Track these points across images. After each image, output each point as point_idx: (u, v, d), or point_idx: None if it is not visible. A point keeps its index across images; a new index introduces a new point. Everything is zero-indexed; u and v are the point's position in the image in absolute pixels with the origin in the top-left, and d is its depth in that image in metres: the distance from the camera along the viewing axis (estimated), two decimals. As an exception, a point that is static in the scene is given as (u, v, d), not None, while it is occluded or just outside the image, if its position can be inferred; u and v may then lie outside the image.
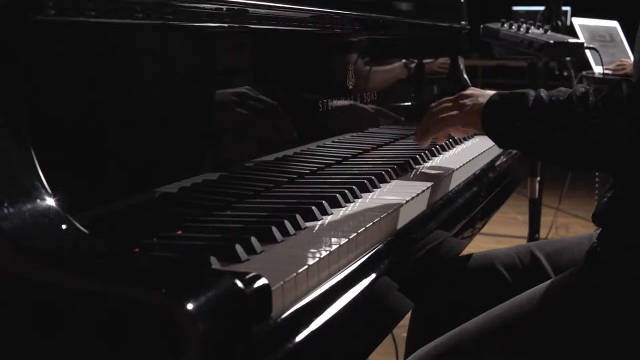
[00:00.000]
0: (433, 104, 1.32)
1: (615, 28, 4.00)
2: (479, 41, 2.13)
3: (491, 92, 1.21)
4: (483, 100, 1.19)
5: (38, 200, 0.67)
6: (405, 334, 1.44)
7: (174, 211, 0.92)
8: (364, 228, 0.90)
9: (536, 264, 1.31)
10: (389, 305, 0.93)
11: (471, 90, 1.26)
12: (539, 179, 2.45)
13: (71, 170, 0.77)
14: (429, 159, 1.44)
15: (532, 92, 1.13)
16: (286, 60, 1.24)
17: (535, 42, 1.92)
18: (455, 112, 1.25)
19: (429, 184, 1.18)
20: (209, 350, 0.55)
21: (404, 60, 1.77)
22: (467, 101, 1.23)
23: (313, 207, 0.96)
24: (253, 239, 0.80)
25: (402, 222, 1.04)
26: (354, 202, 1.06)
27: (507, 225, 3.77)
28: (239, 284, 0.60)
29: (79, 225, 0.68)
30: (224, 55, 1.09)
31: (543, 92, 1.12)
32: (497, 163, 1.58)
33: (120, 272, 0.63)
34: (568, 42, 2.01)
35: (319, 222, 0.95)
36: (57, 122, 0.77)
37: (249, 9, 1.08)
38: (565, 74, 2.91)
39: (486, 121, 1.18)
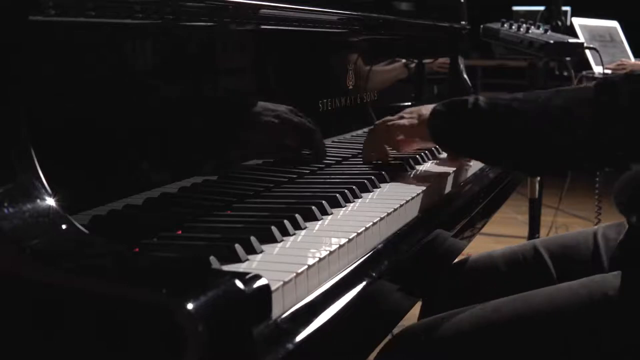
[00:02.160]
0: (377, 122, 1.33)
1: (615, 28, 3.99)
2: (479, 41, 2.13)
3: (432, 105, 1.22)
4: (426, 111, 1.21)
5: (38, 200, 0.67)
6: (405, 334, 1.44)
7: (174, 211, 0.92)
8: (364, 228, 0.90)
9: (539, 260, 1.31)
10: (389, 305, 0.93)
11: (412, 108, 1.28)
12: (539, 179, 2.45)
13: (71, 170, 0.77)
14: (429, 159, 1.44)
15: (470, 99, 1.14)
16: (286, 60, 1.24)
17: (535, 42, 1.92)
18: (401, 122, 1.26)
19: (429, 183, 1.18)
20: (208, 351, 0.55)
21: (404, 60, 1.77)
22: (412, 115, 1.25)
23: (313, 207, 0.96)
24: (253, 239, 0.80)
25: (402, 222, 1.04)
26: (354, 202, 1.06)
27: (507, 225, 3.76)
28: (239, 284, 0.60)
29: (79, 225, 0.68)
30: (224, 55, 1.09)
31: (481, 99, 1.13)
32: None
33: (121, 272, 0.63)
34: (568, 42, 2.01)
35: (319, 222, 0.95)
36: (57, 122, 0.77)
37: (248, 9, 1.08)
38: (565, 74, 2.91)
39: (431, 130, 1.19)
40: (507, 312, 1.06)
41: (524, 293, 1.09)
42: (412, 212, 1.08)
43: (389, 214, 0.98)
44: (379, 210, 0.99)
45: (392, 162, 1.34)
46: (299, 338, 0.67)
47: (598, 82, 1.06)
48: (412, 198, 1.09)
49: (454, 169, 1.33)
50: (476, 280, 1.36)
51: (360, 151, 1.45)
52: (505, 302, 1.08)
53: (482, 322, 1.06)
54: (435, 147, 1.49)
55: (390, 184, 1.20)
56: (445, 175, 1.28)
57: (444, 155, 1.49)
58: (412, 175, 1.28)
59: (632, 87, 1.01)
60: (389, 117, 1.30)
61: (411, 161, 1.35)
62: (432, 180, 1.21)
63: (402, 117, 1.27)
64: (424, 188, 1.15)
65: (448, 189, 1.28)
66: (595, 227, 1.36)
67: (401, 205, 1.04)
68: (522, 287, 1.26)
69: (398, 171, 1.27)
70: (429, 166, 1.39)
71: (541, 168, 1.28)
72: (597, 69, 3.47)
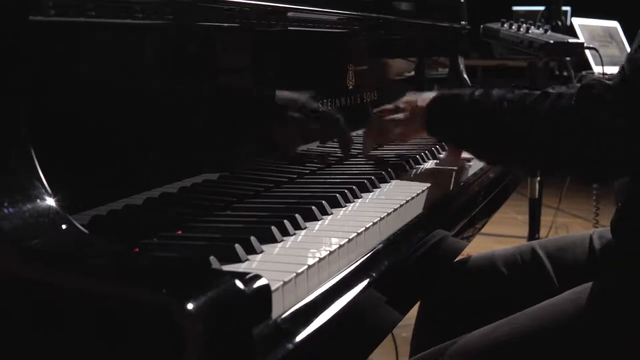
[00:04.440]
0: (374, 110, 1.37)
1: (615, 28, 3.99)
2: (479, 41, 2.13)
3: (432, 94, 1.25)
4: (422, 103, 1.24)
5: (38, 200, 0.67)
6: (405, 334, 1.44)
7: (174, 211, 0.92)
8: (364, 228, 0.90)
9: (537, 262, 1.31)
10: (390, 305, 0.93)
11: (407, 98, 1.31)
12: (539, 179, 2.45)
13: (71, 169, 0.77)
14: (429, 159, 1.44)
15: (467, 91, 1.16)
16: (286, 60, 1.24)
17: (535, 42, 1.92)
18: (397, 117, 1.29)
19: (429, 184, 1.18)
20: (208, 351, 0.55)
21: (404, 61, 1.77)
22: (406, 106, 1.28)
23: (313, 207, 0.96)
24: (253, 239, 0.80)
25: (402, 222, 1.04)
26: (354, 202, 1.06)
27: (507, 225, 3.76)
28: (239, 284, 0.60)
29: (79, 225, 0.68)
30: (224, 54, 1.09)
31: (476, 95, 1.14)
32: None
33: (121, 272, 0.63)
34: (568, 42, 2.01)
35: (319, 222, 0.95)
36: (57, 122, 0.77)
37: (248, 8, 1.08)
38: (565, 74, 2.90)
39: (428, 120, 1.23)
40: (500, 335, 1.04)
41: (509, 317, 1.07)
42: (412, 212, 1.08)
43: (389, 214, 0.98)
44: (379, 210, 0.99)
45: (393, 160, 1.34)
46: (299, 338, 0.67)
47: (578, 93, 1.02)
48: (412, 198, 1.09)
49: (456, 168, 1.33)
50: (476, 280, 1.36)
51: (361, 151, 1.45)
52: (496, 327, 1.06)
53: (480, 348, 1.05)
54: (435, 147, 1.50)
55: (390, 184, 1.20)
56: (446, 174, 1.28)
57: (443, 155, 1.50)
58: (412, 175, 1.29)
59: (614, 99, 0.98)
60: (385, 106, 1.33)
61: (411, 161, 1.35)
62: (433, 180, 1.21)
63: (397, 109, 1.30)
64: (424, 188, 1.15)
65: (449, 188, 1.28)
66: (592, 230, 1.36)
67: (401, 205, 1.04)
68: (521, 289, 1.26)
69: (399, 170, 1.27)
70: (429, 165, 1.39)
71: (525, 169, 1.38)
72: (597, 69, 3.47)
